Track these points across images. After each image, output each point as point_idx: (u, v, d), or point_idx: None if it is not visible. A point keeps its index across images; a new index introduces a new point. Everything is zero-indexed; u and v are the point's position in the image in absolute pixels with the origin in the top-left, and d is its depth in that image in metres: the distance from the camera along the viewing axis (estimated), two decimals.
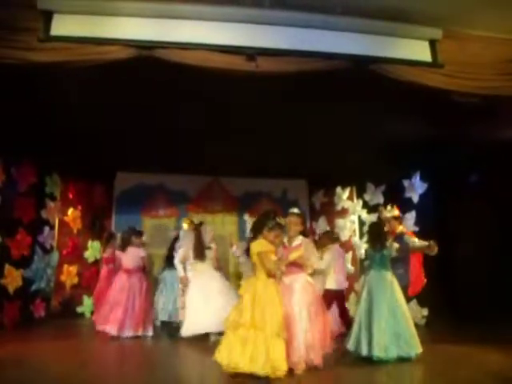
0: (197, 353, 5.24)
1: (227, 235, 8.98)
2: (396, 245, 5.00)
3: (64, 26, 3.83)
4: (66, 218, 8.18)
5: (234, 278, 8.68)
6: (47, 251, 7.53)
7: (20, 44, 3.76)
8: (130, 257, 6.48)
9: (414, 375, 4.32)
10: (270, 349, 3.83)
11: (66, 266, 8.06)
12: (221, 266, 6.75)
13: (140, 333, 6.10)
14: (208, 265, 6.13)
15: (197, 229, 6.35)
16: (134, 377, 4.18)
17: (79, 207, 8.47)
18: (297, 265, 4.43)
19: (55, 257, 7.79)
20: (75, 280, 8.19)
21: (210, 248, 6.23)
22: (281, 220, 4.45)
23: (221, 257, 8.68)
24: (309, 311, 4.27)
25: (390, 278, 4.84)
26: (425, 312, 7.18)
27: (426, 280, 6.40)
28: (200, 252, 6.08)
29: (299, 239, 4.55)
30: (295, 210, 4.72)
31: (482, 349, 5.02)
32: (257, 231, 4.43)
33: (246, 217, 8.87)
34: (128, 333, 6.01)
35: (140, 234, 6.85)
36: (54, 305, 7.81)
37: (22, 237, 6.85)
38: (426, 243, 5.20)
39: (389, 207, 5.91)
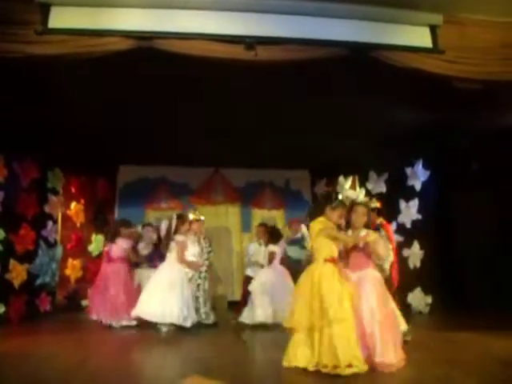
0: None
1: (231, 226, 9.01)
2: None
3: (62, 18, 3.81)
4: (68, 212, 8.20)
5: (240, 269, 8.72)
6: (51, 245, 7.56)
7: (18, 37, 3.75)
8: (118, 247, 6.57)
9: (419, 361, 4.32)
10: (335, 341, 3.57)
11: (70, 260, 8.09)
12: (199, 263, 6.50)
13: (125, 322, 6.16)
14: (173, 256, 6.05)
15: (170, 221, 6.28)
16: (140, 368, 4.20)
17: (82, 201, 8.48)
18: (365, 254, 4.06)
19: (59, 251, 7.82)
20: (80, 274, 8.23)
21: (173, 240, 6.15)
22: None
23: (224, 249, 8.77)
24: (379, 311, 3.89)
25: None
26: (429, 300, 7.20)
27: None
28: (166, 244, 6.17)
29: (364, 231, 4.10)
30: (362, 200, 4.25)
31: (487, 335, 5.03)
32: (317, 212, 4.05)
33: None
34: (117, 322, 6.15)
35: (129, 225, 6.87)
36: (59, 299, 7.85)
37: (26, 232, 6.87)
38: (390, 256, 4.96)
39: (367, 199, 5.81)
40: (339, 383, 3.47)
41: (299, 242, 6.74)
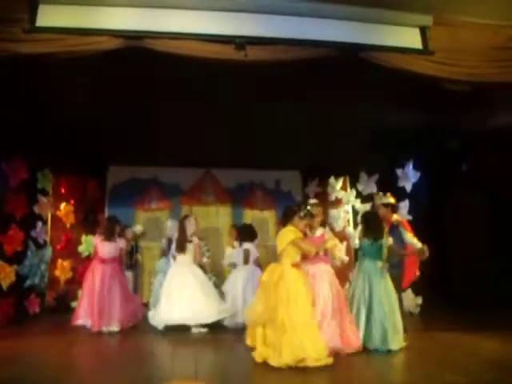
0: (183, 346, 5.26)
1: (221, 227, 8.99)
2: (390, 240, 4.93)
3: (50, 16, 3.77)
4: (58, 213, 8.13)
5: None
6: (40, 246, 7.49)
7: (5, 35, 3.70)
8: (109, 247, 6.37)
9: (408, 361, 4.35)
10: (304, 339, 3.93)
11: (59, 261, 8.02)
12: (204, 262, 6.74)
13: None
14: (188, 257, 6.15)
15: (181, 222, 6.38)
16: (128, 370, 4.17)
17: (72, 202, 8.41)
18: (321, 256, 4.66)
19: (49, 252, 7.75)
20: (69, 275, 8.14)
21: (190, 241, 6.22)
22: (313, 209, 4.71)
23: (215, 249, 8.73)
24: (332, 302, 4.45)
25: (383, 268, 4.83)
26: (419, 300, 7.21)
27: (418, 273, 6.07)
28: (181, 244, 6.16)
29: (320, 230, 4.78)
30: (315, 201, 4.98)
31: (476, 336, 5.07)
32: (287, 219, 4.53)
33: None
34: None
35: (118, 222, 6.72)
36: (48, 300, 7.77)
37: (15, 232, 6.79)
38: (419, 244, 5.16)
39: (381, 194, 5.85)
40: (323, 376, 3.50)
41: None
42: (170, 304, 5.78)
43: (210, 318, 5.74)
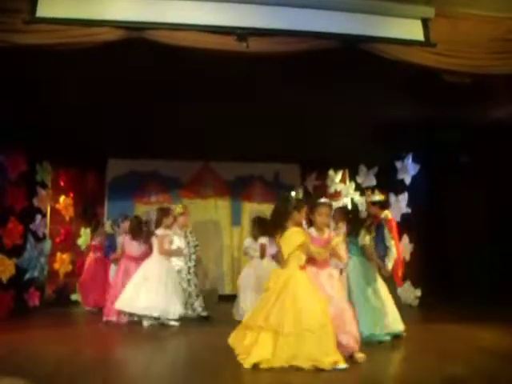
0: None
1: (220, 220, 8.99)
2: (367, 239, 4.91)
3: (50, 7, 3.73)
4: (57, 206, 8.13)
5: (230, 262, 8.73)
6: (40, 239, 7.48)
7: (4, 26, 3.65)
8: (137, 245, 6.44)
9: (407, 353, 4.37)
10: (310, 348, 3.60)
11: (59, 254, 8.03)
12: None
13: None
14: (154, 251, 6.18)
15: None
16: (130, 363, 4.18)
17: (71, 195, 8.42)
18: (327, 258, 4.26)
19: (48, 245, 7.76)
20: (69, 268, 8.18)
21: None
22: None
23: (214, 242, 8.76)
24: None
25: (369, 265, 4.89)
26: (418, 293, 7.26)
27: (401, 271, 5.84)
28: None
29: (326, 232, 4.29)
30: (325, 200, 4.37)
31: (476, 327, 5.10)
32: (285, 219, 4.05)
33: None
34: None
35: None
36: (48, 293, 7.79)
37: (14, 225, 6.78)
38: (392, 252, 5.10)
39: (369, 192, 5.74)
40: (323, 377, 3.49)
41: None
42: (129, 293, 5.84)
43: (152, 312, 5.73)
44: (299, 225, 4.12)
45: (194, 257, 6.42)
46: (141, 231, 6.46)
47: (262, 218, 6.76)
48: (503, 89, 5.06)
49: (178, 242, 6.28)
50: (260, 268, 6.20)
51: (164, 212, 6.29)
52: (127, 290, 5.85)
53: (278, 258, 4.23)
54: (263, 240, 6.37)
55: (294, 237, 3.97)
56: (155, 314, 5.71)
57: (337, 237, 4.32)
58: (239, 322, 5.55)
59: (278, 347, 3.62)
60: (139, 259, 6.25)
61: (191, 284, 6.27)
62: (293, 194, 4.52)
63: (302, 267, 4.01)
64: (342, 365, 3.57)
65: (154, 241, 6.15)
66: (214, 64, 4.38)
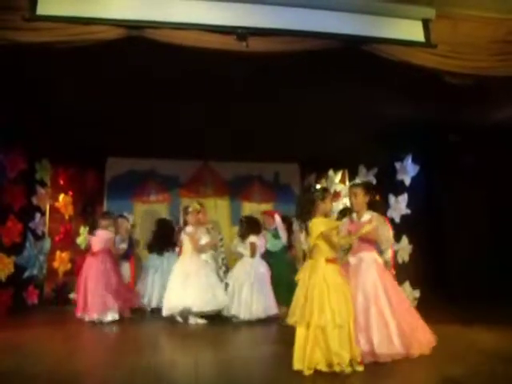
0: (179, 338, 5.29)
1: (219, 219, 8.99)
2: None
3: (50, 4, 3.71)
4: (57, 204, 8.11)
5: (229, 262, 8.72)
6: (39, 238, 7.48)
7: (4, 23, 3.64)
8: (98, 239, 6.48)
9: None
10: (330, 342, 3.53)
11: (58, 253, 8.01)
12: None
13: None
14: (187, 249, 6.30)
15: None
16: (126, 362, 4.18)
17: (70, 193, 8.40)
18: (368, 241, 4.12)
19: (47, 243, 7.74)
20: (68, 266, 8.16)
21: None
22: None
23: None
24: (381, 294, 3.95)
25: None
26: (417, 294, 7.24)
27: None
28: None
29: (369, 213, 4.19)
30: (356, 181, 4.45)
31: (475, 328, 5.09)
32: (310, 210, 3.91)
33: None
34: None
35: (108, 215, 6.84)
36: (46, 292, 7.77)
37: (13, 224, 6.79)
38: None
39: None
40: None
41: (273, 233, 6.74)
42: (173, 293, 5.96)
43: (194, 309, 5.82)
44: (325, 215, 3.95)
45: (222, 249, 6.54)
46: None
47: (249, 217, 6.87)
48: (504, 90, 5.06)
49: (205, 237, 6.38)
50: (250, 266, 6.30)
51: (187, 210, 6.45)
52: (171, 292, 5.95)
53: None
54: (253, 239, 6.39)
55: (314, 228, 3.82)
56: (208, 309, 5.85)
57: (369, 224, 4.05)
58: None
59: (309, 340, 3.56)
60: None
61: (226, 276, 6.50)
62: (317, 186, 4.37)
63: (331, 260, 3.80)
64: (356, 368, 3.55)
65: (185, 238, 6.25)
66: (213, 63, 4.37)
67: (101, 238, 6.48)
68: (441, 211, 7.33)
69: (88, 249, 6.66)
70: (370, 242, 4.16)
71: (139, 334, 5.50)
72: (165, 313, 5.92)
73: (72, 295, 7.91)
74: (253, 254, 6.35)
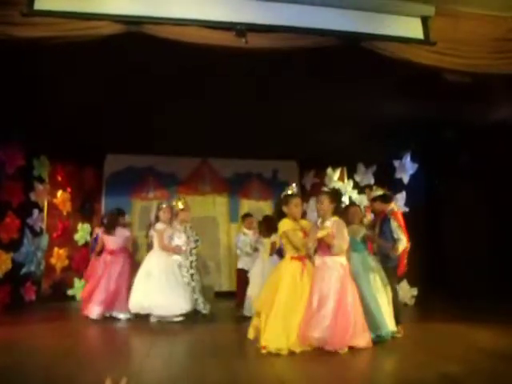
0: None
1: (218, 216, 8.99)
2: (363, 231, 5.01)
3: None
4: (55, 201, 8.09)
5: (227, 259, 8.74)
6: (37, 234, 7.46)
7: (2, 18, 3.61)
8: (116, 238, 6.47)
9: (402, 351, 4.35)
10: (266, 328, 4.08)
11: (56, 249, 8.00)
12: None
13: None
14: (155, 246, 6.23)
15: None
16: (123, 359, 4.17)
17: (69, 189, 8.38)
18: (328, 245, 4.36)
19: (45, 240, 7.73)
20: (66, 263, 8.14)
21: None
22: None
23: (211, 238, 8.74)
24: (334, 294, 4.21)
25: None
26: (414, 292, 7.26)
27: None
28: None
29: (332, 220, 4.42)
30: (325, 189, 4.91)
31: (474, 327, 5.08)
32: (278, 211, 4.55)
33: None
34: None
35: (124, 213, 6.86)
36: (44, 288, 7.77)
37: (11, 220, 6.77)
38: (402, 239, 5.04)
39: (369, 190, 5.82)
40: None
41: None
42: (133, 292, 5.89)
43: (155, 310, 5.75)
44: (291, 217, 4.41)
45: (194, 251, 6.40)
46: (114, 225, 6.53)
47: (269, 216, 6.77)
48: (503, 88, 5.05)
49: (177, 240, 6.26)
50: (268, 264, 6.20)
51: (161, 207, 6.34)
52: (134, 289, 5.87)
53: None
54: (274, 238, 6.31)
55: (279, 228, 4.40)
56: (160, 313, 5.72)
57: (325, 229, 4.37)
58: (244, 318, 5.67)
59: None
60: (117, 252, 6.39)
61: (194, 279, 6.24)
62: (289, 191, 4.64)
63: (296, 257, 4.33)
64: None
65: (154, 235, 6.16)
66: (212, 61, 4.37)
67: (120, 236, 6.50)
68: (439, 209, 7.34)
69: (98, 247, 6.69)
70: (329, 246, 4.36)
71: (138, 332, 5.48)
72: (131, 310, 5.88)
73: (71, 291, 7.94)
74: (272, 253, 6.33)
